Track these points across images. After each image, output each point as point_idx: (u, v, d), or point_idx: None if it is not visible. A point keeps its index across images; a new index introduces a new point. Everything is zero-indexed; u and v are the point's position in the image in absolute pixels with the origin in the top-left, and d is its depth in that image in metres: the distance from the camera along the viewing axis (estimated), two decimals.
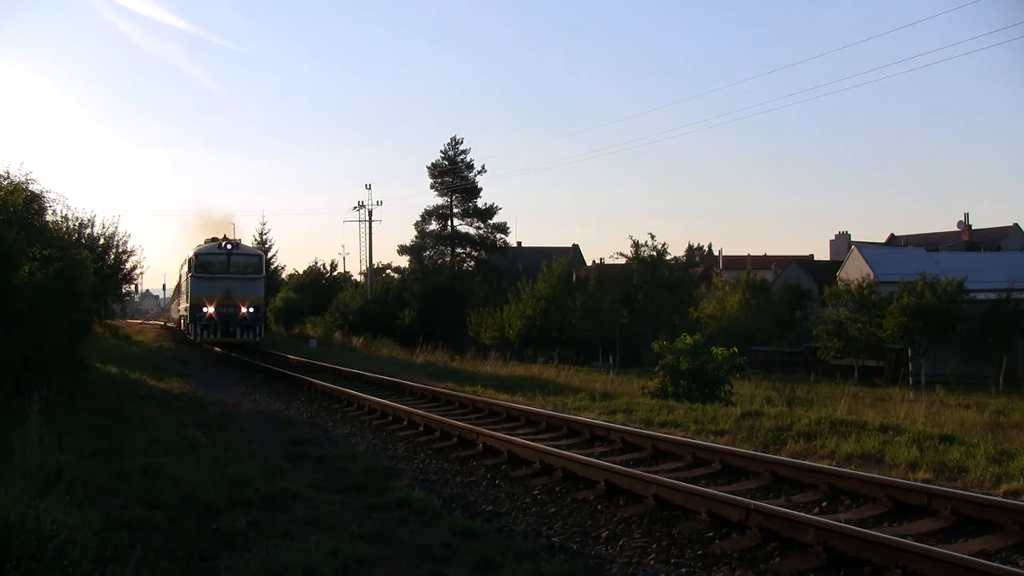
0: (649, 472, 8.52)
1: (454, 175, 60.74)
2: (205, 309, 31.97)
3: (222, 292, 32.07)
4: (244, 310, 32.45)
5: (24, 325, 11.57)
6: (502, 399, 15.41)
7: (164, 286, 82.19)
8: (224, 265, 32.84)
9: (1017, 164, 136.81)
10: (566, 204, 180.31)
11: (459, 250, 62.00)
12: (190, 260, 33.63)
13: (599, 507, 7.79)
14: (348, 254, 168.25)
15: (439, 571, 5.77)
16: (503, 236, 61.15)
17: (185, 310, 36.08)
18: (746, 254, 71.57)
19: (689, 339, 20.25)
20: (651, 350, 23.64)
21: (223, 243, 33.45)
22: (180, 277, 42.58)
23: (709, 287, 52.59)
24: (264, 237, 64.42)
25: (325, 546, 5.81)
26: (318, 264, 69.52)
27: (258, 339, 33.33)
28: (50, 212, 17.49)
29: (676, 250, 54.08)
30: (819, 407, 16.91)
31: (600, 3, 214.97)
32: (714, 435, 11.75)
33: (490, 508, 7.76)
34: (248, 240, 58.55)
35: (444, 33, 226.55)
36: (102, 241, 30.25)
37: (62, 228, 19.55)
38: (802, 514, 6.65)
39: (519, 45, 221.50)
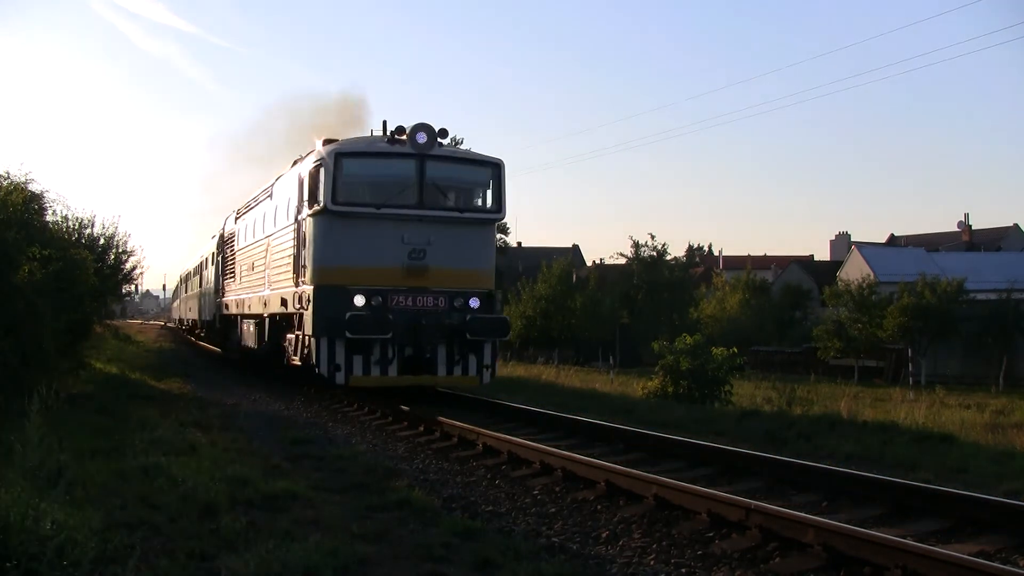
0: (649, 472, 8.51)
1: None
2: (359, 300, 13.43)
3: (404, 257, 13.75)
4: (458, 303, 14.04)
5: (24, 325, 11.57)
6: (502, 399, 15.40)
7: (164, 286, 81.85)
8: (410, 186, 13.97)
9: (1017, 164, 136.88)
10: (566, 204, 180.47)
11: None
12: (313, 174, 14.06)
13: (599, 507, 7.79)
14: None
15: (439, 571, 5.77)
16: (503, 236, 61.13)
17: (266, 306, 16.98)
18: (746, 254, 71.62)
19: (689, 339, 20.25)
20: (651, 350, 23.62)
21: (408, 134, 13.85)
22: (227, 239, 23.47)
23: (709, 287, 52.63)
24: None
25: (325, 546, 5.80)
26: None
27: (488, 374, 14.44)
28: (50, 212, 17.50)
29: (676, 250, 54.11)
30: (819, 407, 16.91)
31: (601, 5, 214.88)
32: (714, 435, 11.75)
33: (490, 508, 7.75)
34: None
35: (444, 34, 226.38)
36: (102, 241, 30.13)
37: (62, 228, 19.52)
38: (802, 514, 6.64)
39: (519, 46, 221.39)
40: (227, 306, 22.91)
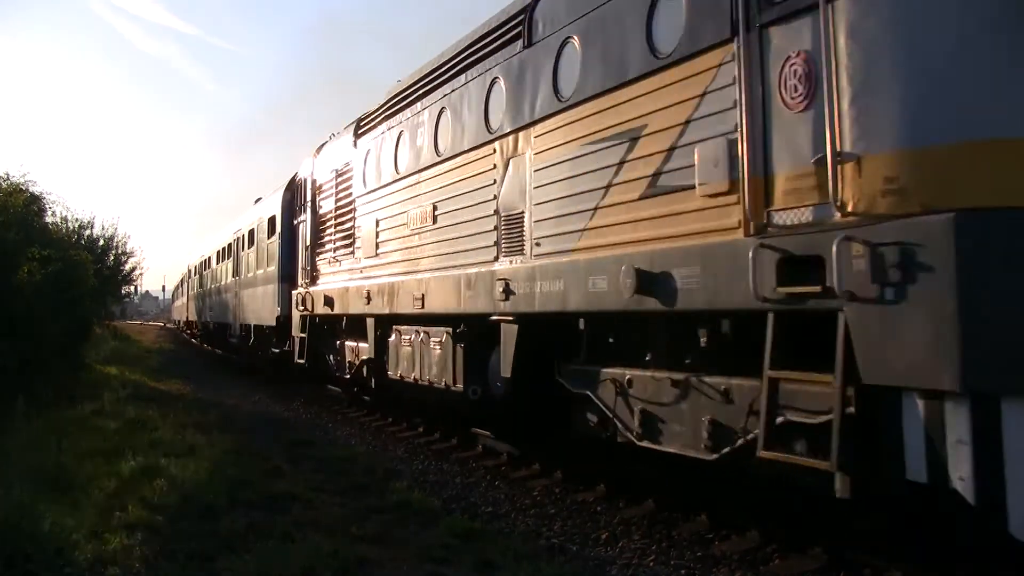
0: (648, 473, 8.49)
1: None
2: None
3: None
4: None
5: (23, 326, 11.58)
6: None
7: (164, 287, 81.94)
8: None
9: None
10: None
11: None
12: None
13: (599, 508, 7.78)
14: None
15: (439, 572, 5.76)
16: None
17: (497, 295, 7.83)
18: None
19: None
20: None
21: None
22: (319, 188, 14.53)
23: None
24: None
25: (325, 547, 5.80)
26: None
27: None
28: (50, 213, 17.58)
29: None
30: None
31: None
32: None
33: (490, 509, 7.75)
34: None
35: (442, 32, 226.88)
36: (102, 242, 30.25)
37: (62, 229, 19.58)
38: (801, 515, 6.63)
39: None
40: (323, 301, 13.77)
